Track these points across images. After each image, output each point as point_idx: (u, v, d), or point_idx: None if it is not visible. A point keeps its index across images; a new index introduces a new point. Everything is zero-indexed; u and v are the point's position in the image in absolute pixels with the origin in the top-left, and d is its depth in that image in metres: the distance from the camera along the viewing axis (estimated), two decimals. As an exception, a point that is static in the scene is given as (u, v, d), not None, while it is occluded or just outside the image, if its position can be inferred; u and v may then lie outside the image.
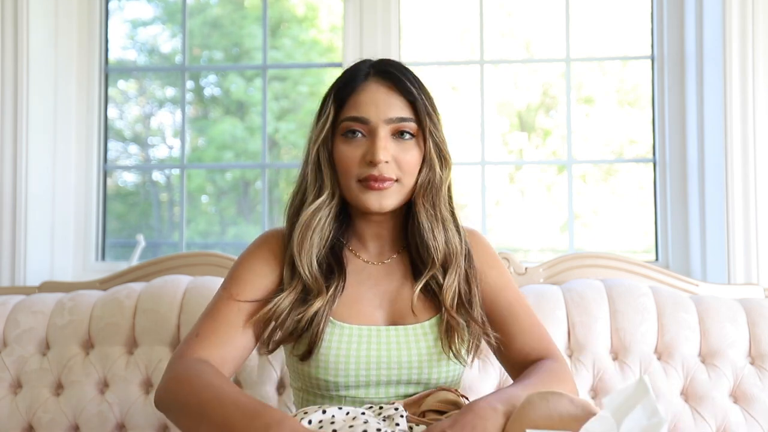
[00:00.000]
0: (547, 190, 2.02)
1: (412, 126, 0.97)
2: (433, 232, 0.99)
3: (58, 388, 1.39)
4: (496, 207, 2.00)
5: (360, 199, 0.97)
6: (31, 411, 1.36)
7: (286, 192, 2.10)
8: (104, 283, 1.57)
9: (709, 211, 1.74)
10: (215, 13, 2.16)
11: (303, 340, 0.95)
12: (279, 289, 0.99)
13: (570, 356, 1.36)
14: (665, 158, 1.87)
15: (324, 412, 0.82)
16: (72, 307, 1.44)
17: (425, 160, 0.99)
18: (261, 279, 0.99)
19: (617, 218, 2.00)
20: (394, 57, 1.90)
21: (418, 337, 0.97)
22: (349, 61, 1.92)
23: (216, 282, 1.47)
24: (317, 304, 0.94)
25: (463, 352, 0.99)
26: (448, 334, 0.96)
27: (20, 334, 1.41)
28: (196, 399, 0.83)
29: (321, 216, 0.99)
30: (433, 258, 0.99)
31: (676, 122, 1.86)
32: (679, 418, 1.30)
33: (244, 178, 2.14)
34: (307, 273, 0.96)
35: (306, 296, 0.96)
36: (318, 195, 0.99)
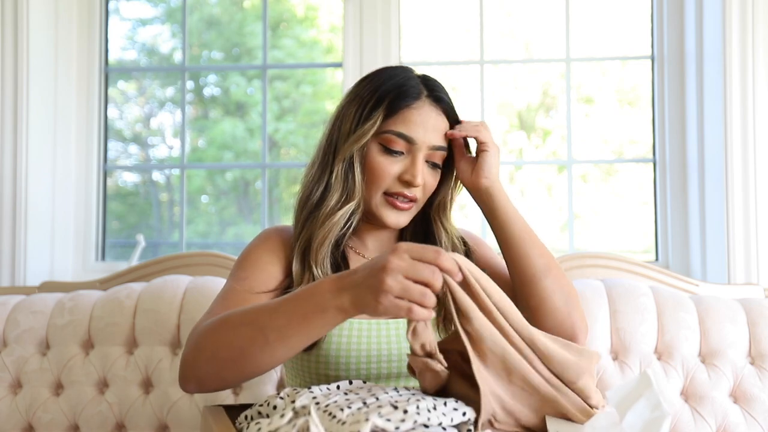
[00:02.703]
0: (547, 190, 2.02)
1: (444, 156, 1.01)
2: (450, 245, 1.04)
3: (58, 388, 1.39)
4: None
5: (379, 211, 0.98)
6: (31, 411, 1.36)
7: (286, 192, 2.10)
8: (104, 283, 1.57)
9: (709, 211, 1.74)
10: (215, 12, 2.16)
11: None
12: (287, 283, 0.99)
13: (570, 356, 1.36)
14: (665, 158, 1.87)
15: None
16: (72, 307, 1.44)
17: (446, 181, 1.04)
18: (271, 268, 0.98)
19: (617, 218, 2.00)
20: (394, 57, 1.91)
21: None
22: (350, 62, 1.93)
23: (216, 282, 1.47)
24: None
25: None
26: (445, 323, 0.98)
27: (20, 334, 1.41)
28: (243, 322, 0.80)
29: (350, 222, 0.99)
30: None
31: (676, 122, 1.86)
32: (679, 418, 1.30)
33: (244, 179, 2.14)
34: (319, 271, 0.96)
35: None
36: (347, 201, 0.97)
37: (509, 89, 2.05)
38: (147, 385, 1.38)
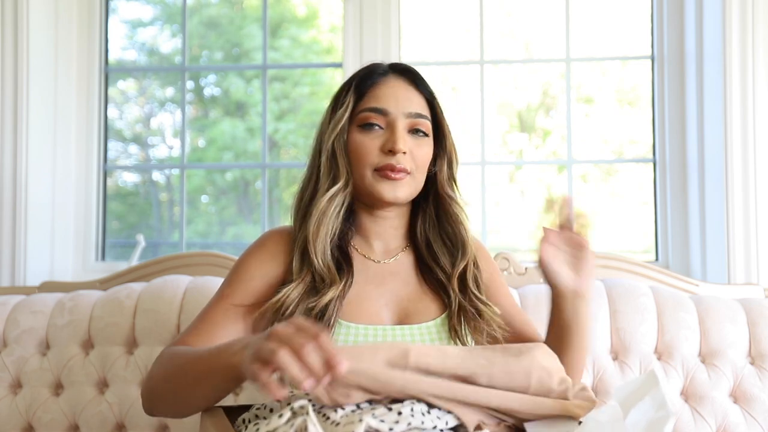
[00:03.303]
0: (547, 190, 2.02)
1: (427, 125, 1.01)
2: (461, 217, 1.04)
3: (58, 388, 1.39)
4: (496, 207, 2.00)
5: (374, 188, 0.98)
6: (31, 411, 1.36)
7: (286, 192, 2.10)
8: (104, 283, 1.57)
9: (709, 211, 1.74)
10: (215, 13, 2.16)
11: None
12: (286, 281, 0.98)
13: (570, 356, 1.36)
14: (665, 158, 1.87)
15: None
16: (72, 307, 1.44)
17: (443, 156, 1.05)
18: (256, 282, 0.98)
19: (617, 218, 2.00)
20: (394, 57, 1.91)
21: (423, 336, 0.97)
22: (350, 62, 1.93)
23: (216, 282, 1.47)
24: (330, 294, 0.93)
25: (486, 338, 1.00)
26: (459, 326, 0.98)
27: (20, 334, 1.41)
28: (179, 364, 0.85)
29: (336, 203, 0.99)
30: (464, 242, 1.03)
31: (676, 122, 1.86)
32: (679, 418, 1.30)
33: (244, 179, 2.14)
34: (320, 261, 0.95)
35: (316, 286, 0.95)
36: (333, 183, 0.99)
37: (509, 89, 2.05)
38: (147, 385, 1.38)
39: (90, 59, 2.00)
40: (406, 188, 0.99)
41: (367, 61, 1.97)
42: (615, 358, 1.36)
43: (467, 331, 0.99)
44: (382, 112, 0.98)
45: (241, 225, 2.13)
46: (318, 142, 1.03)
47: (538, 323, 1.36)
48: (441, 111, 1.04)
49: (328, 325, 0.92)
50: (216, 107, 2.18)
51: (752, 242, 1.65)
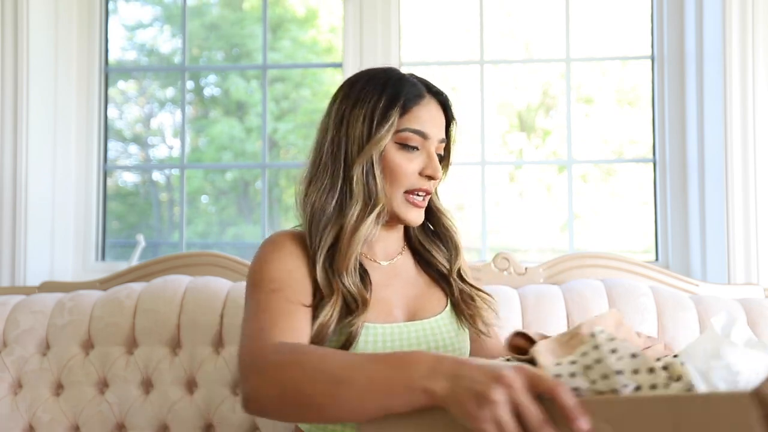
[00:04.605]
0: (547, 190, 2.02)
1: (443, 147, 1.05)
2: (450, 224, 1.09)
3: (58, 388, 1.39)
4: (496, 207, 2.00)
5: (401, 212, 1.00)
6: (31, 411, 1.36)
7: (286, 192, 2.10)
8: (104, 283, 1.57)
9: (709, 211, 1.74)
10: (215, 13, 2.16)
11: (332, 343, 0.94)
12: (318, 300, 0.95)
13: (570, 356, 1.36)
14: (665, 158, 1.87)
15: None
16: (72, 307, 1.44)
17: (444, 173, 1.08)
18: (298, 275, 0.95)
19: (617, 218, 2.00)
20: (394, 57, 1.91)
21: (434, 329, 1.01)
22: (350, 62, 1.93)
23: (216, 282, 1.47)
24: (363, 312, 0.93)
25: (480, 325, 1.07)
26: (465, 312, 1.04)
27: (20, 334, 1.41)
28: (319, 370, 0.74)
29: (374, 226, 0.98)
30: (453, 236, 1.08)
31: (676, 122, 1.86)
32: (679, 418, 1.30)
33: (244, 179, 2.14)
34: (351, 283, 0.94)
35: (348, 305, 0.94)
36: (374, 205, 0.96)
37: (509, 89, 2.05)
38: (147, 385, 1.38)
39: (90, 59, 2.00)
40: (423, 210, 1.03)
41: (367, 61, 1.96)
42: (615, 358, 1.36)
43: (467, 317, 1.05)
44: (424, 136, 0.98)
45: (241, 225, 2.13)
46: (344, 150, 0.98)
47: (538, 323, 1.36)
48: (455, 133, 1.06)
49: (353, 336, 0.93)
50: (216, 107, 2.18)
51: (752, 242, 1.65)
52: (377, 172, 0.96)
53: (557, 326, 1.36)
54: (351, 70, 1.91)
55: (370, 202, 0.96)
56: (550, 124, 2.04)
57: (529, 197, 2.01)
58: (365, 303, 0.94)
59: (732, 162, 1.66)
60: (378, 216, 0.97)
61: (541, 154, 2.05)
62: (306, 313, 0.92)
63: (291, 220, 2.06)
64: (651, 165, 1.92)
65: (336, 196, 0.97)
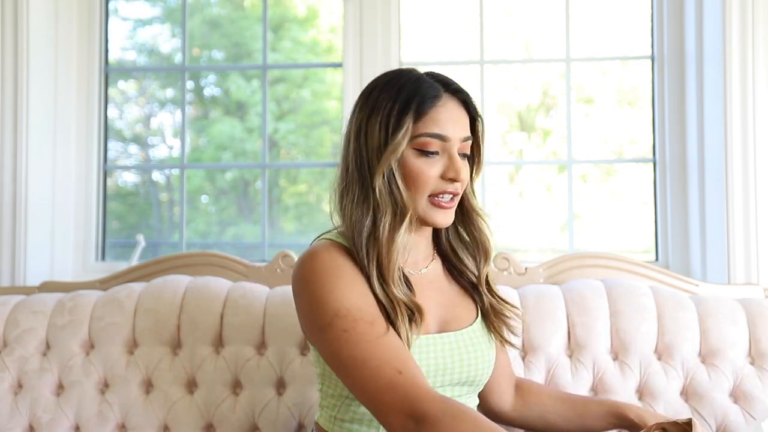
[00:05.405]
0: (547, 190, 2.02)
1: (470, 145, 1.01)
2: (484, 226, 1.06)
3: (58, 388, 1.39)
4: (496, 207, 2.00)
5: (428, 215, 0.97)
6: (32, 411, 1.36)
7: (285, 192, 2.10)
8: (104, 283, 1.57)
9: (709, 211, 1.74)
10: (215, 13, 2.16)
11: None
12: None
13: (570, 356, 1.36)
14: (665, 158, 1.87)
15: None
16: (72, 307, 1.44)
17: (477, 171, 1.05)
18: (367, 291, 0.94)
19: (617, 218, 2.00)
20: (394, 57, 1.91)
21: (467, 340, 1.00)
22: (350, 62, 1.93)
23: (216, 282, 1.47)
24: (421, 326, 0.93)
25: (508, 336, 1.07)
26: (495, 323, 1.04)
27: (20, 334, 1.41)
28: None
29: (410, 237, 0.98)
30: (484, 239, 1.06)
31: (676, 122, 1.86)
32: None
33: (244, 179, 2.14)
34: (403, 296, 0.93)
35: (402, 316, 0.93)
36: (402, 214, 0.95)
37: (509, 89, 2.05)
38: (147, 385, 1.38)
39: (90, 59, 2.00)
40: (453, 211, 1.00)
41: (367, 61, 1.96)
42: (615, 358, 1.36)
43: (496, 328, 1.05)
44: (443, 138, 0.95)
45: (241, 225, 2.13)
46: (366, 160, 0.96)
47: (538, 322, 1.36)
48: (482, 129, 1.03)
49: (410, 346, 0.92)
50: (216, 107, 2.18)
51: (752, 242, 1.65)
52: (399, 180, 0.95)
53: (557, 326, 1.36)
54: (351, 70, 1.91)
55: (398, 211, 0.95)
56: (550, 124, 2.05)
57: (529, 197, 2.01)
58: (421, 313, 0.93)
59: (732, 162, 1.66)
60: (410, 223, 0.96)
61: (541, 154, 2.05)
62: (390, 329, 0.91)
63: (291, 221, 2.06)
64: (651, 165, 1.92)
65: (370, 208, 0.95)
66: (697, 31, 1.79)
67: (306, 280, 0.93)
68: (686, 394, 1.32)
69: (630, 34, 1.98)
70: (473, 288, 1.06)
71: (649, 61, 1.94)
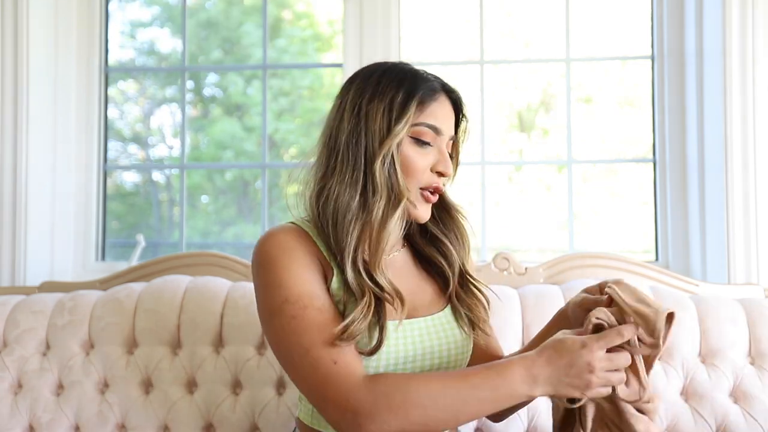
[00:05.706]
0: (546, 190, 2.02)
1: (452, 145, 1.03)
2: (463, 221, 1.08)
3: (59, 388, 1.39)
4: (496, 207, 2.00)
5: (414, 206, 0.98)
6: (32, 411, 1.36)
7: (286, 192, 2.10)
8: (104, 283, 1.57)
9: (709, 211, 1.74)
10: (214, 13, 2.16)
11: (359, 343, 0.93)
12: (338, 299, 0.93)
13: (570, 356, 1.36)
14: (665, 158, 1.87)
15: None
16: (72, 307, 1.44)
17: (455, 168, 1.06)
18: (318, 277, 0.94)
19: (617, 218, 2.00)
20: (394, 57, 1.91)
21: (437, 326, 1.00)
22: (350, 61, 1.93)
23: (216, 282, 1.47)
24: (403, 312, 0.94)
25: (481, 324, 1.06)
26: (461, 312, 1.03)
27: (20, 334, 1.41)
28: (438, 410, 0.85)
29: (401, 224, 0.98)
30: (464, 233, 1.07)
31: (676, 122, 1.86)
32: (679, 418, 1.30)
33: (244, 178, 2.14)
34: (386, 283, 0.92)
35: (378, 306, 0.92)
36: (397, 199, 0.94)
37: (509, 89, 2.05)
38: (147, 385, 1.38)
39: (90, 59, 2.00)
40: (431, 207, 1.02)
41: (367, 61, 1.97)
42: (615, 358, 1.36)
43: (464, 317, 1.03)
44: (438, 132, 0.97)
45: (240, 225, 2.13)
46: (364, 144, 0.95)
47: (538, 322, 1.36)
48: (466, 131, 1.05)
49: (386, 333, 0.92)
50: (216, 107, 2.18)
51: (752, 242, 1.65)
52: (397, 166, 0.95)
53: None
54: (351, 70, 1.91)
55: (392, 196, 0.94)
56: (550, 123, 2.05)
57: (529, 197, 2.01)
58: (402, 300, 0.93)
59: (732, 162, 1.66)
60: (404, 210, 0.96)
61: (541, 154, 2.05)
62: (339, 317, 0.91)
63: (290, 219, 2.05)
64: (651, 165, 1.92)
65: (359, 191, 0.94)
66: (696, 31, 1.79)
67: (259, 262, 0.93)
68: (686, 394, 1.32)
69: (630, 34, 1.98)
70: (442, 278, 1.06)
71: (649, 61, 1.94)
